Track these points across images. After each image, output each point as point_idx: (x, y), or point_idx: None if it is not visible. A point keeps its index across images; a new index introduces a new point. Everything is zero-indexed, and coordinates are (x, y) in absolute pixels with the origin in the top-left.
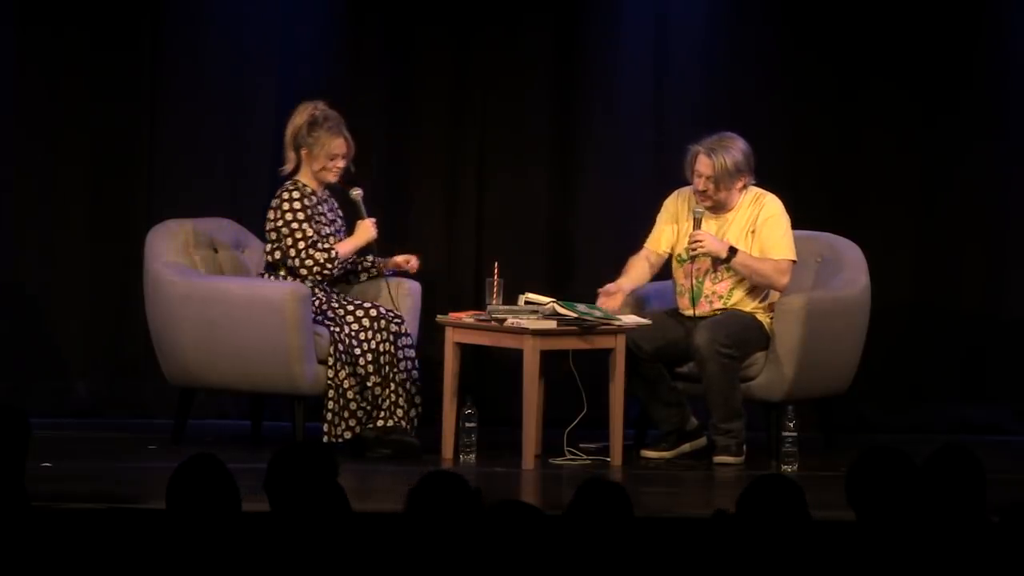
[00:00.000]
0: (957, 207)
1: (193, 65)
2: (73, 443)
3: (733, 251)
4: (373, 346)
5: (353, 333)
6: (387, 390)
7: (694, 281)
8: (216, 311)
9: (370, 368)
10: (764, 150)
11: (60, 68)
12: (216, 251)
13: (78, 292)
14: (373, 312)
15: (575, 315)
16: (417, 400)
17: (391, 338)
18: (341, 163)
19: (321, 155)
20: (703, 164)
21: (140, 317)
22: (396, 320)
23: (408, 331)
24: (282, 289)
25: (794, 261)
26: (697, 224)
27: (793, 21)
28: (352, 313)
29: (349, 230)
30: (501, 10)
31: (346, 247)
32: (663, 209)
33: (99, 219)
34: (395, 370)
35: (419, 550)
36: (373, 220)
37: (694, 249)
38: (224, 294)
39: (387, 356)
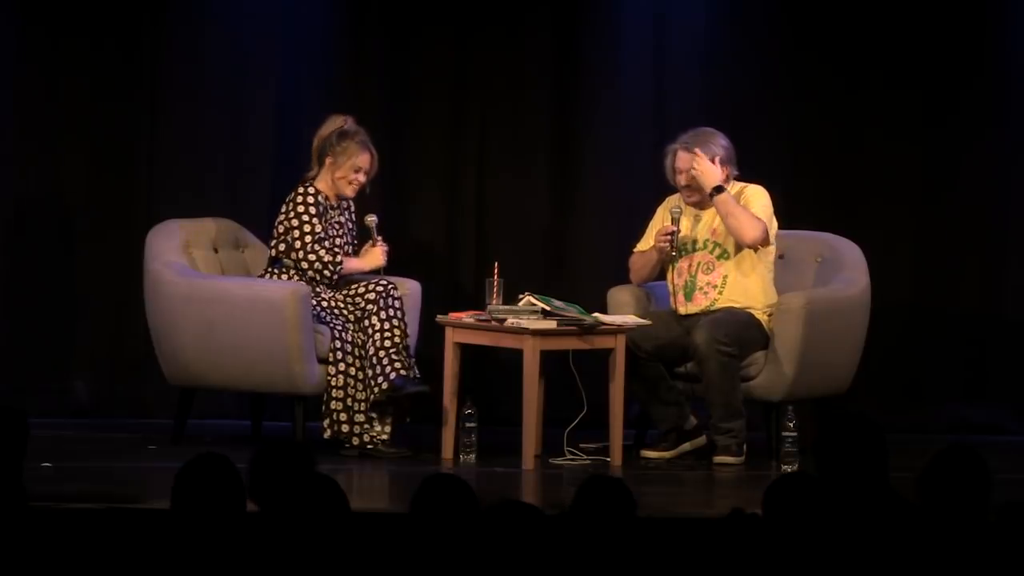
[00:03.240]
0: (957, 207)
1: (193, 65)
2: (73, 443)
3: (719, 189)
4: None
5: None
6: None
7: (687, 276)
8: (216, 311)
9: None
10: (764, 150)
11: (60, 68)
12: (216, 251)
13: (78, 292)
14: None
15: (549, 308)
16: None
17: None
18: (363, 178)
19: (346, 165)
20: (681, 160)
21: (140, 317)
22: (391, 289)
23: (398, 295)
24: (282, 289)
25: (767, 232)
26: (675, 222)
27: (793, 21)
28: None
29: (359, 247)
30: (501, 10)
31: (352, 264)
32: (655, 215)
33: (99, 219)
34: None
35: (420, 551)
36: (386, 248)
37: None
38: (224, 294)
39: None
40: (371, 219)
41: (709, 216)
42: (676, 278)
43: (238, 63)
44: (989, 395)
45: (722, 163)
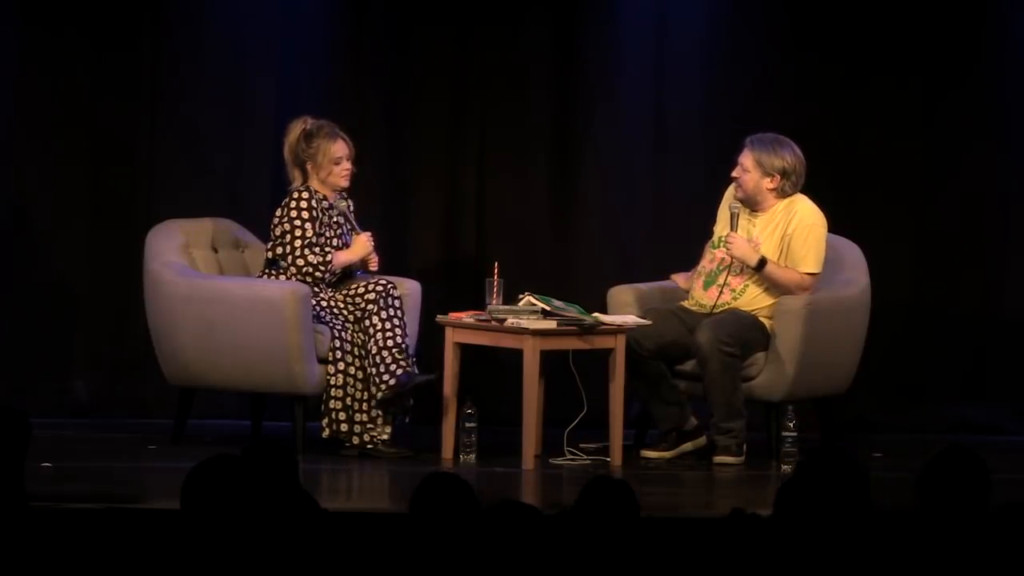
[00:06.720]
0: (957, 206)
1: (193, 65)
2: (73, 443)
3: (763, 263)
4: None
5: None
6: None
7: (715, 267)
8: (216, 311)
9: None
10: None
11: (60, 68)
12: (216, 251)
13: (78, 292)
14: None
15: (549, 308)
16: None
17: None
18: (347, 165)
19: (325, 161)
20: (742, 154)
21: (140, 317)
22: (390, 289)
23: (398, 295)
24: (282, 289)
25: (819, 272)
26: (733, 219)
27: (793, 20)
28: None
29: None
30: (501, 10)
31: (341, 257)
32: (723, 199)
33: (99, 219)
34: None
35: (420, 550)
36: (368, 235)
37: (727, 248)
38: (224, 294)
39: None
40: (343, 204)
41: (758, 225)
42: (707, 263)
43: (238, 63)
44: (988, 395)
45: (773, 171)
